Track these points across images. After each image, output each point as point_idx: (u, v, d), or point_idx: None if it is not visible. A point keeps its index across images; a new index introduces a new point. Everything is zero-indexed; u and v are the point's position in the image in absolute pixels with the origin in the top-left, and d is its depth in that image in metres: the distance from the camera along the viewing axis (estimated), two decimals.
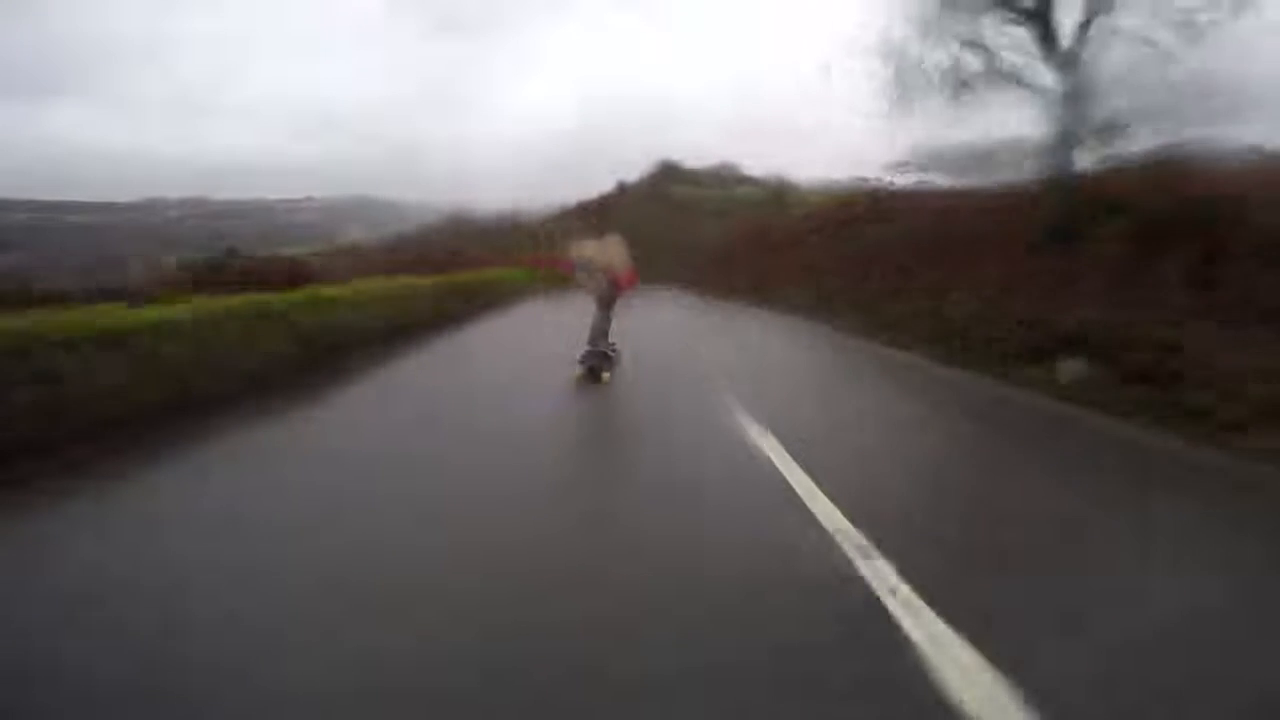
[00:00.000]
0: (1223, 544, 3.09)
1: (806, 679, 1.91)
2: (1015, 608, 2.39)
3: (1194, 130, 8.51)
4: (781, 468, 3.88)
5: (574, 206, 69.59)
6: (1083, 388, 6.19)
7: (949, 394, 6.87)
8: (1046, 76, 9.87)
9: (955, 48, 10.72)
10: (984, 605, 2.36)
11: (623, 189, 71.97)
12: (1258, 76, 8.44)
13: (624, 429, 5.31)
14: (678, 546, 2.80)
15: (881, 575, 2.55)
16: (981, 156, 11.78)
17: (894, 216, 15.85)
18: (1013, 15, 10.10)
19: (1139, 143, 9.13)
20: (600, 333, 6.33)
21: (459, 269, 20.30)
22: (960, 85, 10.71)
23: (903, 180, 16.98)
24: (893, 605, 2.31)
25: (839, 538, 2.89)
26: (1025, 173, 10.64)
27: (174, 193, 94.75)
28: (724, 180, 70.69)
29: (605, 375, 6.22)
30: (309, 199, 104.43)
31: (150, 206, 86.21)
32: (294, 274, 15.86)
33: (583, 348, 6.34)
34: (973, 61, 10.60)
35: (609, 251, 6.42)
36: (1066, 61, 9.60)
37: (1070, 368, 6.58)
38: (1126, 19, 9.15)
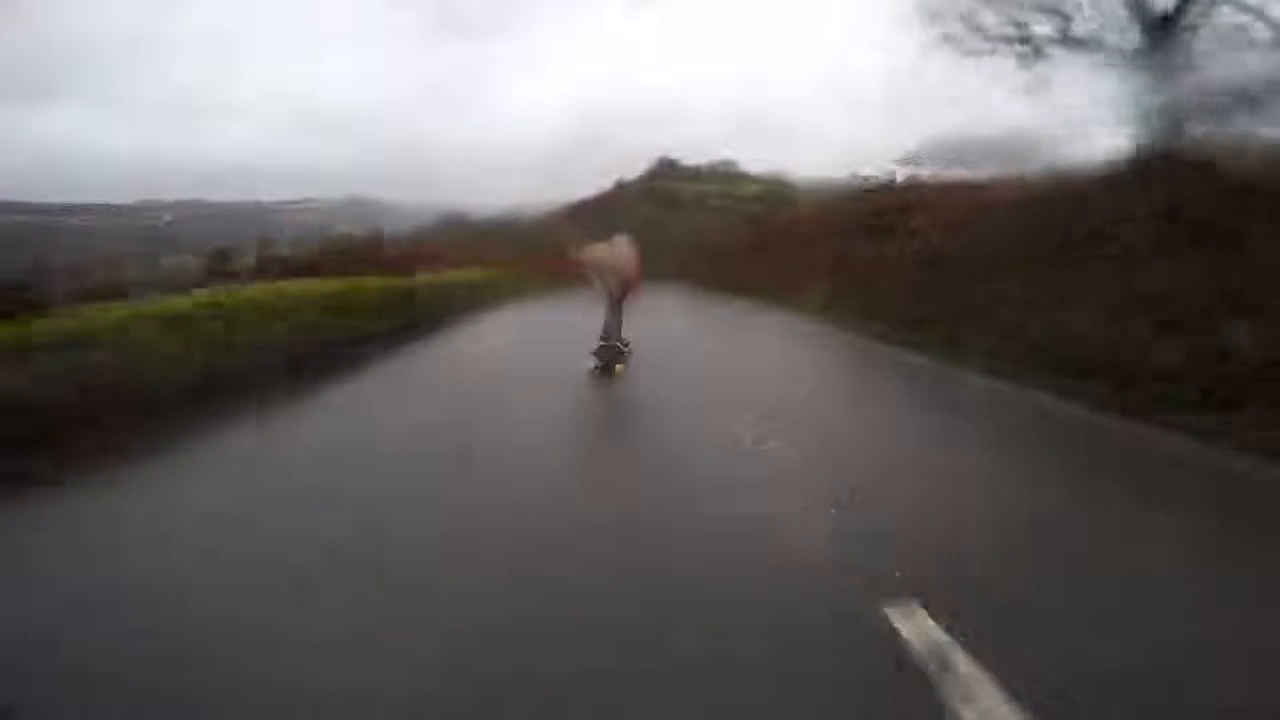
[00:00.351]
0: None
1: None
2: None
3: None
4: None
5: (574, 204, 69.44)
6: None
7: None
8: (1133, 42, 8.79)
9: (1022, 8, 9.63)
10: None
11: (621, 187, 71.74)
12: None
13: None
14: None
15: None
16: (999, 148, 11.27)
17: (924, 211, 14.24)
18: None
19: (1239, 122, 8.02)
20: (612, 329, 6.79)
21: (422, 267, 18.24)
22: (1028, 50, 9.62)
23: (915, 174, 16.26)
24: None
25: None
26: (1051, 163, 9.97)
27: (171, 194, 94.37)
28: (723, 177, 70.44)
29: (619, 368, 6.65)
30: (306, 200, 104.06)
31: (146, 208, 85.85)
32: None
33: (595, 343, 6.73)
34: (1043, 24, 9.55)
35: (618, 253, 6.91)
36: (1160, 27, 8.53)
37: None
38: None
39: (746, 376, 7.76)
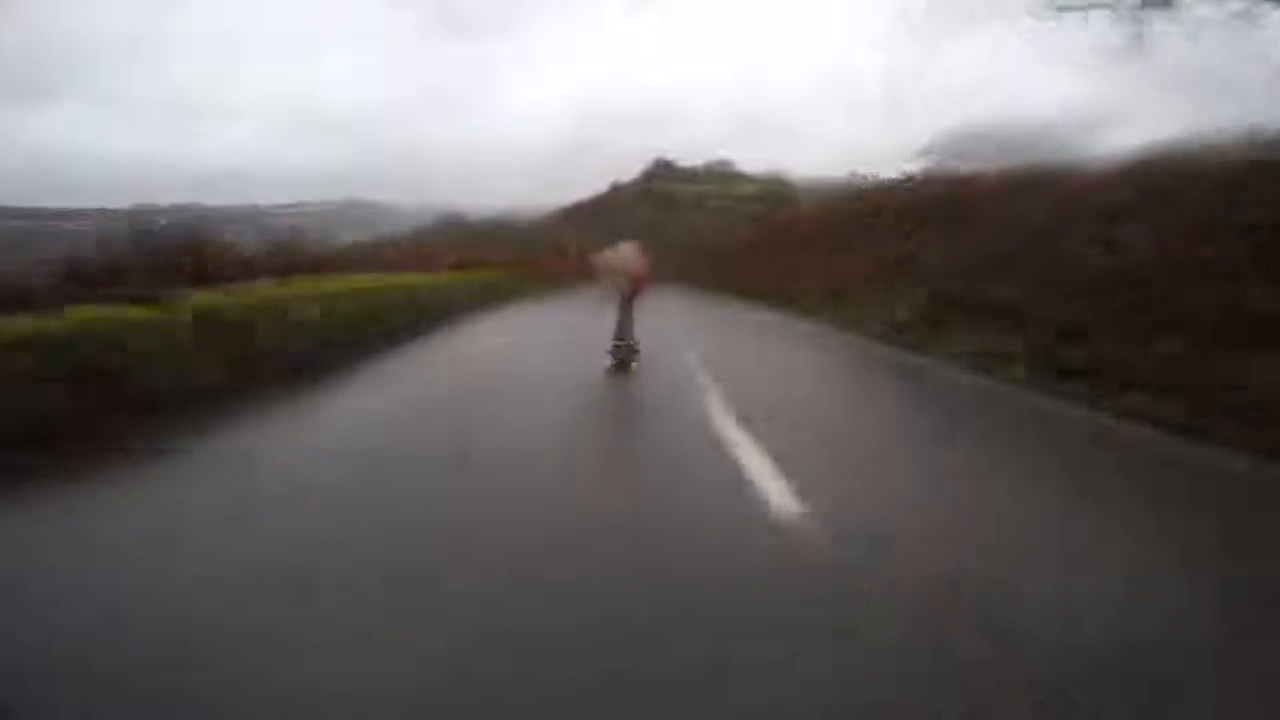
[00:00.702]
0: None
1: None
2: None
3: None
4: None
5: (571, 206, 69.25)
6: None
7: None
8: None
9: None
10: None
11: (617, 188, 71.59)
12: None
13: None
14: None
15: None
16: (1015, 139, 10.43)
17: (964, 210, 12.40)
18: None
19: None
20: (625, 329, 7.34)
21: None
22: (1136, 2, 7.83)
23: (928, 169, 15.00)
24: None
25: None
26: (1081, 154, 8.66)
27: (168, 198, 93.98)
28: (720, 177, 70.27)
29: (634, 365, 7.21)
30: (303, 204, 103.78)
31: (142, 212, 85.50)
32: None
33: (610, 343, 7.31)
34: None
35: (627, 256, 7.44)
36: None
37: None
38: None
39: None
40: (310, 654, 2.17)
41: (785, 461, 4.11)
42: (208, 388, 5.82)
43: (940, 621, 2.33)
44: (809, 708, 1.88)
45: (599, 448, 5.08)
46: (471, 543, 3.08)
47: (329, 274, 12.20)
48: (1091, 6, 8.13)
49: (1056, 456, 4.77)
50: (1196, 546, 3.20)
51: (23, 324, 4.57)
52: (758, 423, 5.11)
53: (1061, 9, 8.34)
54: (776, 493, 3.58)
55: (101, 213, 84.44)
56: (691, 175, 72.29)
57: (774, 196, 55.53)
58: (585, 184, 72.23)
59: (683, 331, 11.97)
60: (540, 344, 10.60)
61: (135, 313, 5.60)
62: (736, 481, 3.84)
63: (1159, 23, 7.83)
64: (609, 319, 7.60)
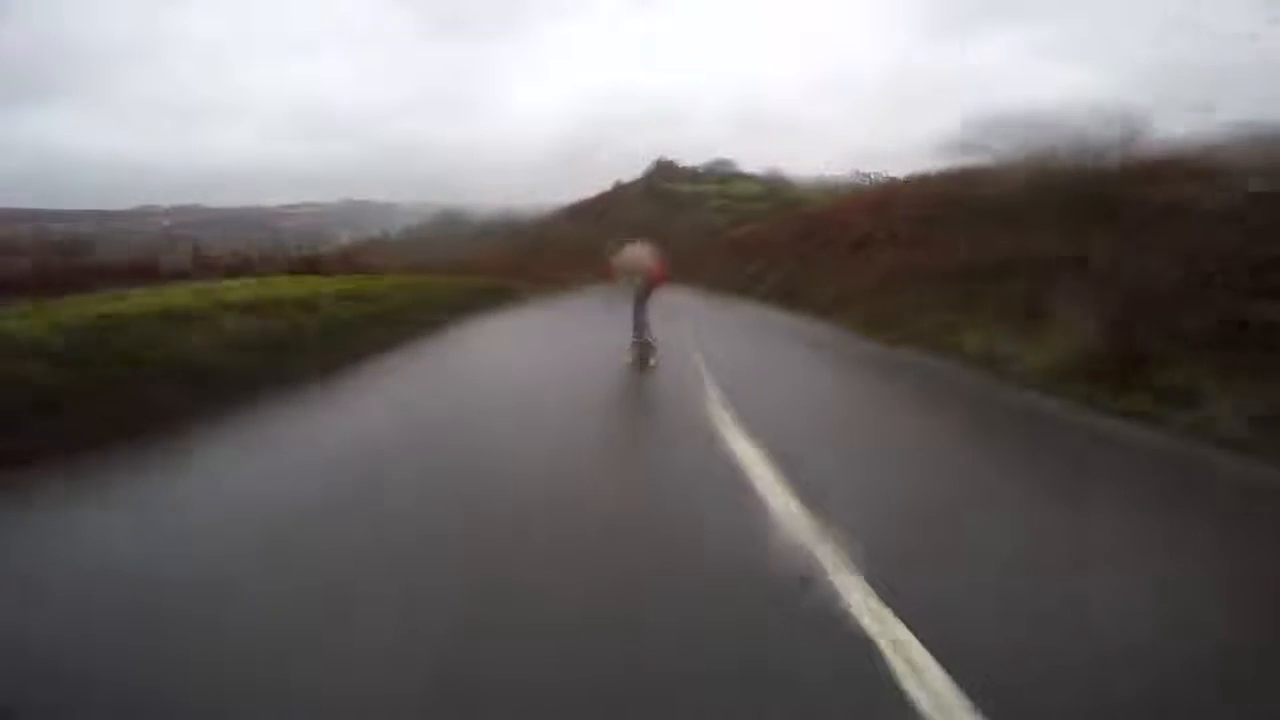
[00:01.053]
0: None
1: None
2: None
3: None
4: None
5: (573, 205, 69.04)
6: None
7: None
8: None
9: None
10: None
11: (619, 188, 71.36)
12: None
13: None
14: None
15: None
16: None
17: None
18: None
19: None
20: (641, 325, 7.65)
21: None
22: None
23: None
24: None
25: None
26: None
27: (169, 200, 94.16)
28: (721, 177, 70.05)
29: (652, 362, 7.39)
30: (304, 204, 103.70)
31: (145, 214, 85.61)
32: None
33: (629, 338, 7.63)
34: None
35: (642, 256, 7.85)
36: None
37: None
38: None
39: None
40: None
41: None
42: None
43: None
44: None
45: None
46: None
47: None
48: None
49: None
50: None
51: None
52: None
53: None
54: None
55: (104, 214, 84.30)
56: (694, 175, 72.03)
57: (775, 195, 55.29)
58: (587, 183, 72.14)
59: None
60: None
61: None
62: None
63: None
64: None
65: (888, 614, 2.07)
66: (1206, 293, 5.56)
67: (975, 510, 3.13)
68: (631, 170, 74.50)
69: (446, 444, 4.25)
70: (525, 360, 8.27)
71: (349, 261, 16.76)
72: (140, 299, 6.50)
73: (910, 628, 1.99)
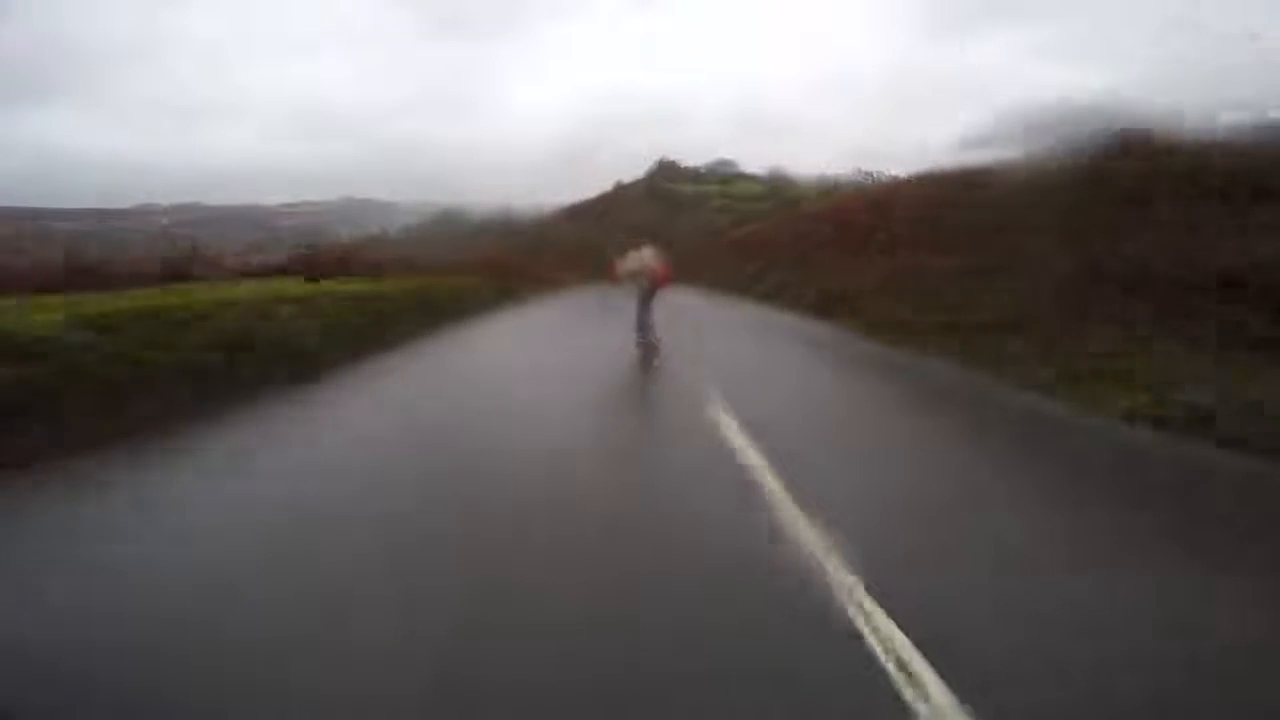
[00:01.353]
0: None
1: None
2: None
3: None
4: None
5: (574, 205, 68.95)
6: None
7: None
8: None
9: None
10: None
11: (620, 188, 71.31)
12: None
13: None
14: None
15: None
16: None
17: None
18: None
19: None
20: (644, 324, 7.98)
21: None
22: None
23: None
24: None
25: None
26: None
27: (169, 198, 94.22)
28: (722, 177, 70.02)
29: (655, 362, 7.52)
30: (304, 203, 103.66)
31: (142, 213, 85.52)
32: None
33: (634, 336, 8.01)
34: None
35: (647, 258, 8.23)
36: None
37: None
38: None
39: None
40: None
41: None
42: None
43: None
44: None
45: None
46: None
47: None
48: None
49: None
50: None
51: None
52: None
53: None
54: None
55: (103, 212, 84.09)
56: (695, 175, 72.02)
57: (777, 195, 55.29)
58: (588, 183, 72.10)
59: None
60: None
61: None
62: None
63: None
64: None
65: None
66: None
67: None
68: (632, 170, 74.57)
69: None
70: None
71: (344, 262, 16.05)
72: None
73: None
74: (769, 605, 2.13)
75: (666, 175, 71.14)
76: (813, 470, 3.48)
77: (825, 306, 12.80)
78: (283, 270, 15.43)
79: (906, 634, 1.91)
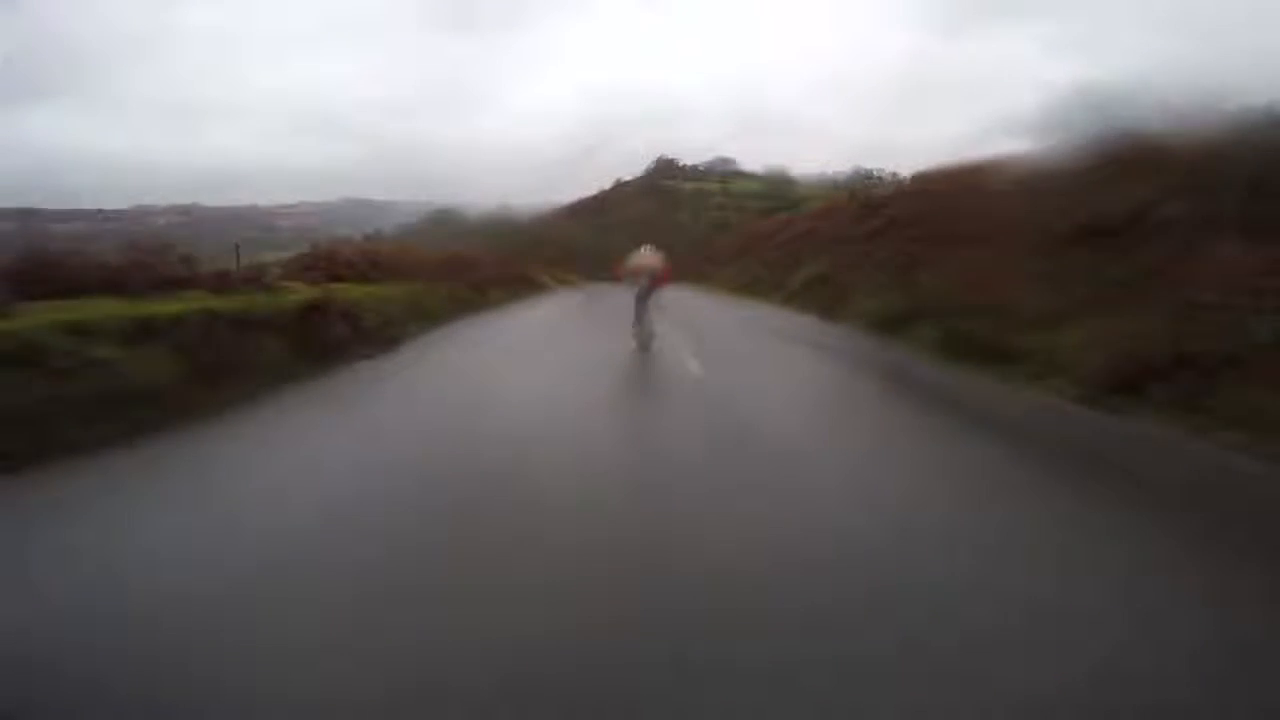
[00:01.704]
0: None
1: None
2: None
3: None
4: None
5: (573, 203, 68.54)
6: None
7: None
8: None
9: None
10: None
11: (620, 186, 70.80)
12: None
13: None
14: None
15: None
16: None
17: None
18: None
19: None
20: (643, 317, 8.95)
21: None
22: None
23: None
24: None
25: None
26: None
27: (168, 199, 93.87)
28: (722, 175, 69.43)
29: (653, 347, 8.71)
30: (302, 203, 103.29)
31: (141, 213, 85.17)
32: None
33: (632, 328, 8.96)
34: None
35: (649, 258, 9.26)
36: None
37: None
38: None
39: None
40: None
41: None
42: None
43: None
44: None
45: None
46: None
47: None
48: None
49: None
50: None
51: None
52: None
53: None
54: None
55: (99, 214, 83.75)
56: (695, 173, 71.42)
57: (777, 194, 54.68)
58: (589, 181, 71.53)
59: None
60: None
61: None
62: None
63: None
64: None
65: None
66: None
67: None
68: (632, 169, 74.04)
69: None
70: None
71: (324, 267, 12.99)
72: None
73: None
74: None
75: (666, 173, 70.55)
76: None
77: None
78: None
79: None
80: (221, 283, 7.92)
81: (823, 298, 12.88)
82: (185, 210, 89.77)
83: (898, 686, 1.71)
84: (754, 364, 7.80)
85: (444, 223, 61.88)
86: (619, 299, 10.66)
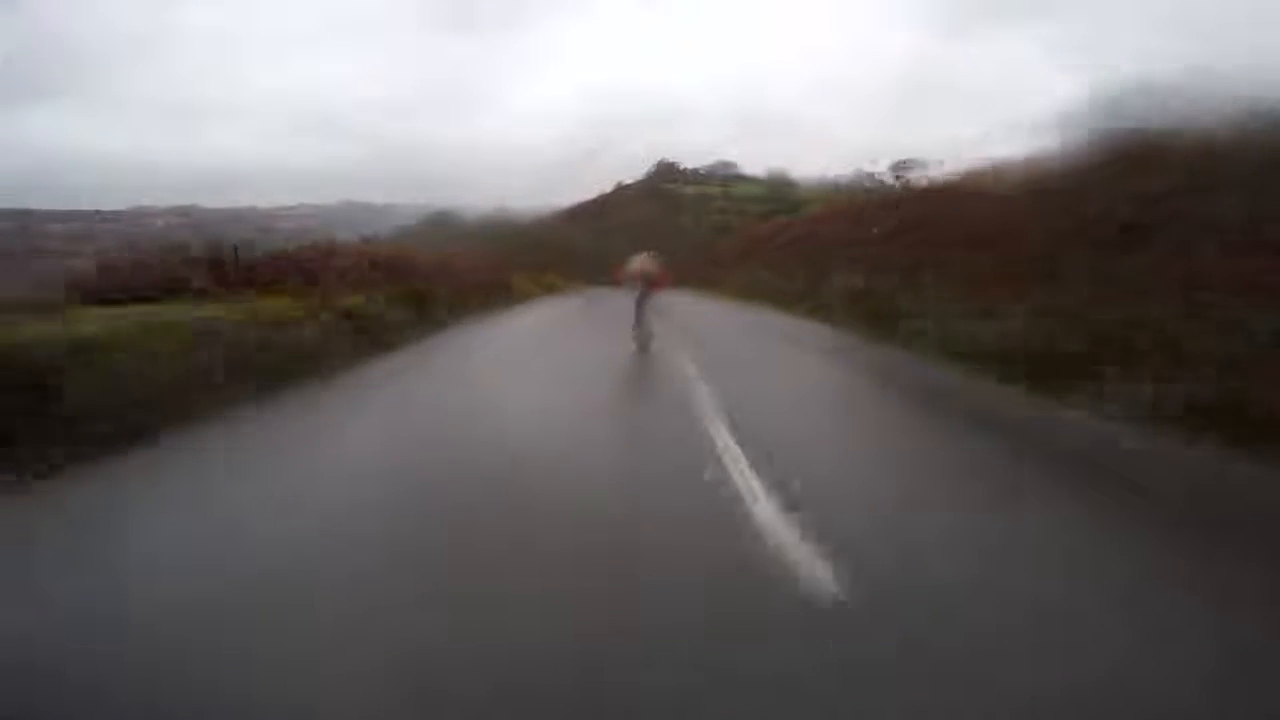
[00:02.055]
0: None
1: None
2: None
3: None
4: None
5: (573, 206, 68.44)
6: None
7: None
8: None
9: None
10: None
11: (620, 189, 70.75)
12: None
13: None
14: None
15: None
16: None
17: None
18: None
19: None
20: (641, 318, 9.34)
21: None
22: None
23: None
24: None
25: None
26: None
27: (166, 200, 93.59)
28: (723, 179, 69.39)
29: (652, 348, 9.02)
30: (302, 205, 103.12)
31: (139, 214, 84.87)
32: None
33: (631, 330, 9.28)
34: None
35: (646, 264, 9.64)
36: None
37: None
38: None
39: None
40: None
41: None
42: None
43: None
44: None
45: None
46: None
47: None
48: None
49: None
50: None
51: None
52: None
53: None
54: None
55: (97, 214, 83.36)
56: (695, 177, 71.36)
57: (778, 197, 54.61)
58: (589, 184, 71.50)
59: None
60: None
61: None
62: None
63: None
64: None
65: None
66: None
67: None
68: (632, 172, 74.09)
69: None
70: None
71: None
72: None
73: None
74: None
75: (666, 177, 70.51)
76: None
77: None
78: None
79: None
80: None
81: (866, 315, 10.51)
82: (184, 211, 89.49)
83: None
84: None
85: (441, 225, 61.67)
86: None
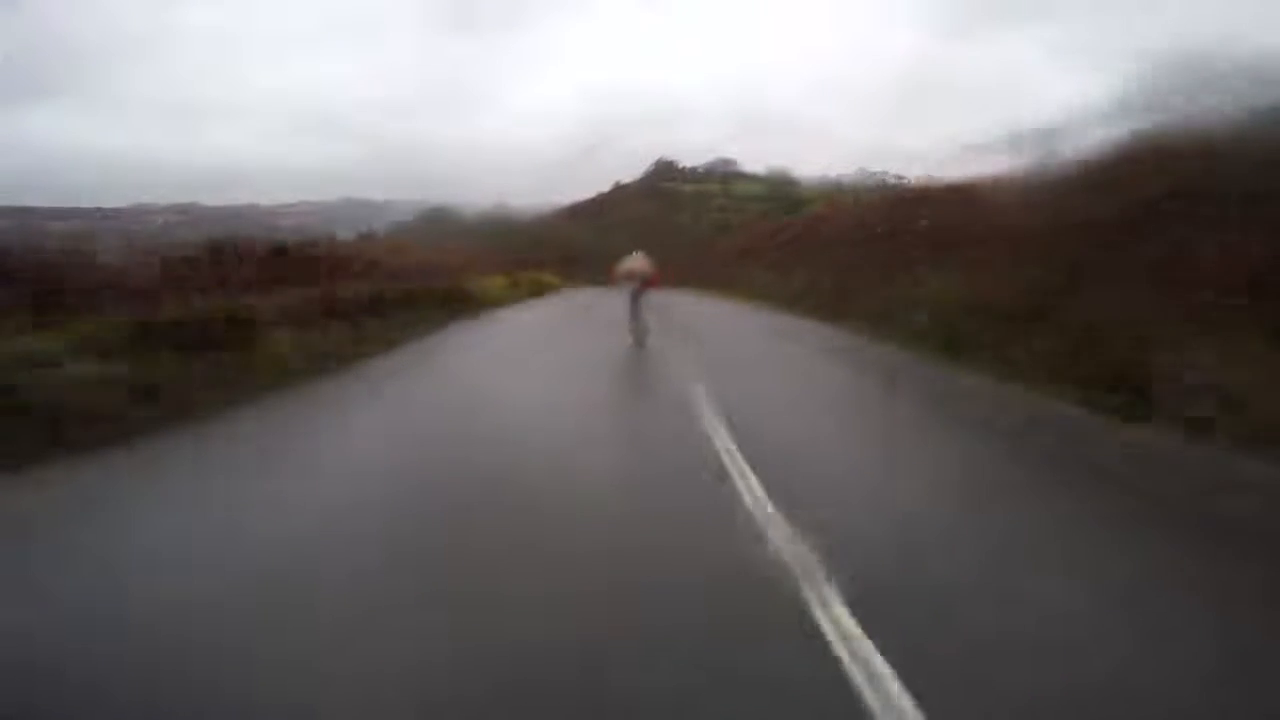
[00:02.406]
0: None
1: None
2: None
3: None
4: None
5: (572, 205, 68.28)
6: None
7: None
8: None
9: None
10: None
11: (619, 188, 70.66)
12: None
13: None
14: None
15: None
16: None
17: None
18: None
19: None
20: (636, 315, 9.78)
21: None
22: None
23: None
24: None
25: None
26: None
27: (167, 198, 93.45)
28: (723, 177, 69.31)
29: (647, 343, 9.53)
30: (302, 202, 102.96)
31: (139, 212, 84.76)
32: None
33: (629, 325, 9.75)
34: None
35: (640, 264, 10.08)
36: None
37: None
38: None
39: None
40: None
41: None
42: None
43: None
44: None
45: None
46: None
47: None
48: None
49: None
50: None
51: None
52: None
53: None
54: None
55: (97, 212, 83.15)
56: (695, 175, 71.21)
57: (779, 196, 54.54)
58: (588, 182, 71.45)
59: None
60: None
61: None
62: None
63: None
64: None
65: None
66: None
67: None
68: (631, 170, 73.89)
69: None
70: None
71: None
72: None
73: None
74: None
75: (665, 175, 70.38)
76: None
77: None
78: None
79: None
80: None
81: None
82: (184, 209, 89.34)
83: None
84: None
85: (438, 221, 61.59)
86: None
